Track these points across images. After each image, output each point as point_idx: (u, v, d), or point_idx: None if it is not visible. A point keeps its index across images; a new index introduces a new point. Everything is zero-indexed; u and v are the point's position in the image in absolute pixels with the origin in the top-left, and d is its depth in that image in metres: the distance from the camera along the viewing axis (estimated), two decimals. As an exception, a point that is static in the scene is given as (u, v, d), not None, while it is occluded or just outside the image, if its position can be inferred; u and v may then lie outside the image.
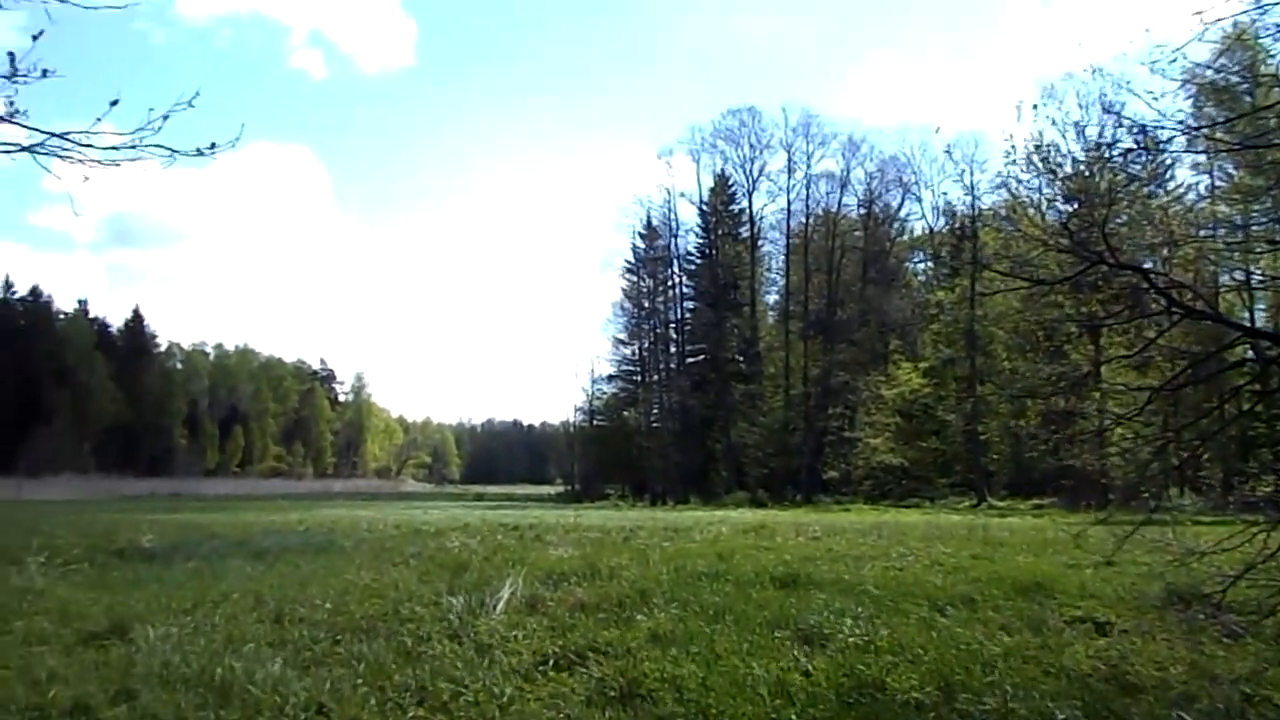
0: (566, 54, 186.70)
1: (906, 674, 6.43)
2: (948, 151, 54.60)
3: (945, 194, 58.88)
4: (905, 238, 64.31)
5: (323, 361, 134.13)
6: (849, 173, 59.53)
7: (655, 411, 65.17)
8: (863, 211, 61.28)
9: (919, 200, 61.14)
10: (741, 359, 62.72)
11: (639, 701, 6.00)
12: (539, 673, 6.72)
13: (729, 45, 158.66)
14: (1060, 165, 9.69)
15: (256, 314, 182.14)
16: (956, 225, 55.48)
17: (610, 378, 71.07)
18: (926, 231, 62.15)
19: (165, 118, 3.82)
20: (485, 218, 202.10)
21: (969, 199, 49.33)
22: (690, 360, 65.49)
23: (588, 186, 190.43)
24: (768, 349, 62.73)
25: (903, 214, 63.16)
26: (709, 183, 65.01)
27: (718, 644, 7.35)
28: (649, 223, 66.11)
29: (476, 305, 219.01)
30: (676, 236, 65.99)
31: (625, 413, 68.26)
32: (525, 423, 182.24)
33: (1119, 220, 8.75)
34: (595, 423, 70.85)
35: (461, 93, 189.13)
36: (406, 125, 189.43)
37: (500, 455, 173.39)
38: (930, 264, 63.70)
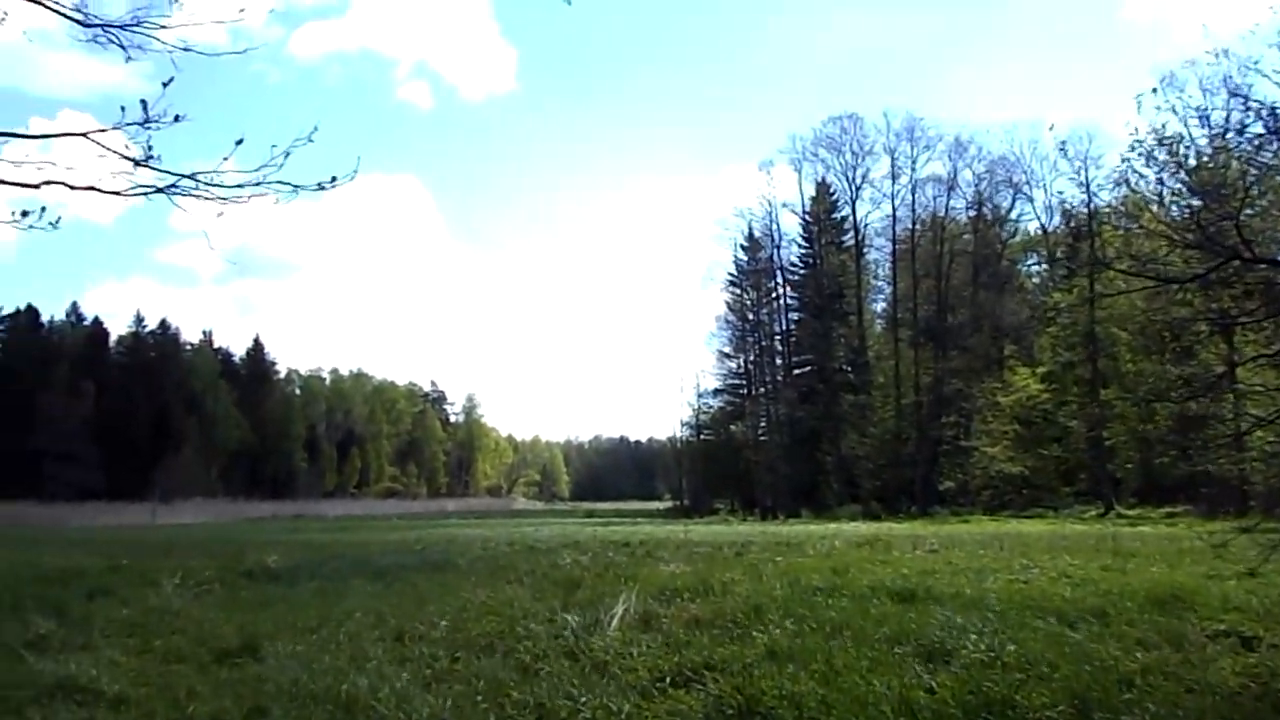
0: (662, 71, 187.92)
1: (1037, 691, 6.13)
2: (1062, 148, 52.59)
3: (1062, 192, 56.80)
4: (1017, 239, 62.32)
5: (434, 383, 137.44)
6: (956, 175, 58.11)
7: (763, 424, 64.63)
8: (972, 214, 59.65)
9: (1030, 200, 59.23)
10: (849, 369, 61.75)
11: (758, 719, 5.87)
12: (656, 690, 6.65)
13: (825, 54, 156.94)
14: (1185, 157, 9.19)
15: (369, 339, 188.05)
16: (1072, 224, 53.55)
17: (716, 391, 70.81)
18: (1040, 232, 60.28)
19: (286, 154, 3.95)
20: (588, 236, 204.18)
21: (1085, 196, 47.45)
22: (797, 372, 64.79)
23: (688, 201, 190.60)
24: (876, 358, 61.55)
25: (1014, 215, 61.24)
26: (811, 192, 64.49)
27: (836, 660, 7.15)
28: (750, 235, 65.85)
29: (582, 324, 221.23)
30: (779, 247, 65.56)
31: (732, 426, 67.87)
32: (632, 439, 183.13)
33: (1248, 212, 8.26)
34: (702, 437, 70.61)
35: (561, 115, 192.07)
36: (510, 150, 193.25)
37: (608, 472, 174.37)
38: (1045, 265, 61.64)
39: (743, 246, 66.35)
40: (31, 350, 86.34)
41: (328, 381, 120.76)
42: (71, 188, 3.76)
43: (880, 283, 66.34)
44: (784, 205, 64.97)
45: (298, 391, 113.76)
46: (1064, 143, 51.15)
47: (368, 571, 15.45)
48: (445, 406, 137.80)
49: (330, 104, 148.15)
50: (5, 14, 3.95)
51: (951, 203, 58.94)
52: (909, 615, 9.00)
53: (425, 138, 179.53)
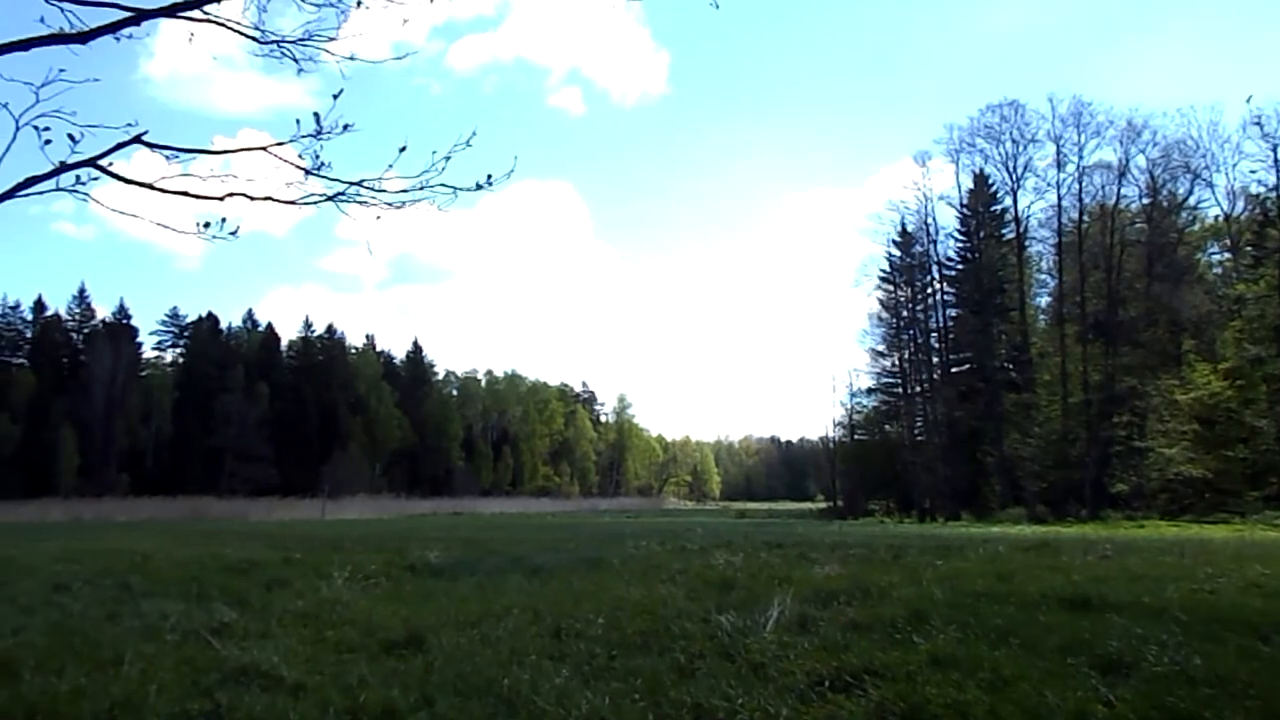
0: (814, 69, 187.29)
1: (1230, 710, 5.71)
2: (1257, 122, 48.73)
3: (1254, 171, 52.39)
4: (1196, 227, 58.36)
5: (585, 384, 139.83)
6: (1128, 161, 54.55)
7: (919, 424, 62.87)
8: (1145, 202, 56.02)
9: (1211, 186, 55.18)
10: (1011, 366, 59.27)
11: (922, 728, 5.68)
12: (815, 694, 6.50)
13: (981, 42, 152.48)
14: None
15: (523, 341, 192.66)
16: (1260, 209, 49.80)
17: (869, 390, 69.29)
18: (1222, 219, 56.33)
19: (447, 159, 4.07)
20: (738, 236, 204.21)
21: (1275, 180, 43.92)
22: (955, 370, 62.63)
23: (840, 198, 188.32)
24: (1041, 355, 58.72)
25: (1191, 201, 57.22)
26: (969, 183, 62.15)
27: (1004, 669, 6.83)
28: (904, 229, 64.13)
29: (733, 324, 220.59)
30: (935, 242, 63.52)
31: (887, 426, 66.31)
32: (783, 439, 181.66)
33: None
34: (855, 437, 69.25)
35: (712, 116, 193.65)
36: (660, 152, 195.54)
37: (759, 472, 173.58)
38: (1228, 254, 57.55)
39: (895, 242, 64.71)
40: (212, 354, 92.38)
41: (483, 383, 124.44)
42: (251, 198, 3.97)
43: (1044, 276, 63.27)
44: (940, 198, 63.01)
45: (455, 392, 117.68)
46: (1259, 118, 47.74)
47: (524, 568, 15.78)
48: (596, 407, 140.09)
49: (486, 113, 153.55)
50: (192, 35, 4.19)
51: (1123, 190, 55.48)
52: (1082, 624, 8.55)
53: (577, 143, 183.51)
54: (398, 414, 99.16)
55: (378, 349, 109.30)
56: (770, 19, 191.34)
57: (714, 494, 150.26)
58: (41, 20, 3.81)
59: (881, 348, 67.86)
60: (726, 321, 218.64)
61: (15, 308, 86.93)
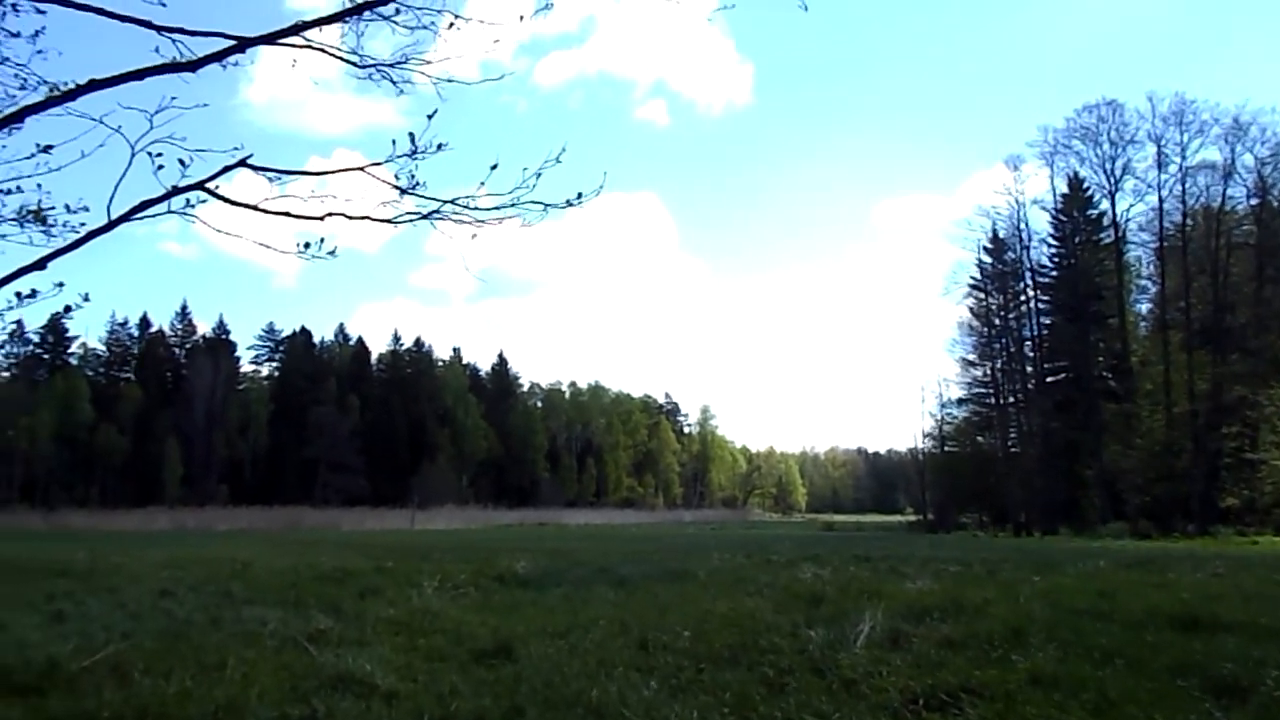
0: (902, 77, 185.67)
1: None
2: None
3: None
4: (1311, 227, 55.60)
5: (668, 396, 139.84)
6: (1234, 160, 52.14)
7: (1013, 435, 61.22)
8: (1254, 202, 53.53)
9: (1326, 183, 52.64)
10: (1110, 375, 57.33)
11: (1024, 750, 5.51)
12: (909, 712, 6.37)
13: (1074, 43, 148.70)
14: None
15: (607, 353, 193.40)
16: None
17: (960, 401, 67.68)
18: (1338, 217, 53.63)
19: (538, 175, 4.13)
20: (824, 245, 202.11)
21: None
22: (1050, 379, 60.78)
23: (928, 205, 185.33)
24: (1142, 363, 56.55)
25: (1304, 201, 54.58)
26: (1063, 187, 60.29)
27: (1109, 690, 6.59)
28: (995, 236, 62.63)
29: (818, 334, 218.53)
30: (1028, 248, 61.79)
31: (979, 437, 64.72)
32: (870, 450, 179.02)
33: None
34: (946, 449, 67.74)
35: (799, 125, 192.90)
36: (747, 163, 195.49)
37: (846, 484, 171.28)
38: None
39: (986, 249, 63.21)
40: (306, 368, 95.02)
41: (567, 394, 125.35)
42: (349, 218, 4.08)
43: (1144, 282, 61.02)
44: (1033, 203, 61.32)
45: (539, 404, 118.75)
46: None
47: (609, 579, 15.81)
48: (679, 418, 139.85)
49: (572, 127, 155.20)
50: (295, 61, 4.33)
51: (1229, 191, 53.11)
52: (1193, 645, 8.20)
53: (663, 155, 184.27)
54: (484, 426, 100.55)
55: (464, 362, 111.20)
56: (857, 24, 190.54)
57: (800, 506, 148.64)
58: (156, 50, 4.00)
59: (972, 357, 66.28)
60: (812, 331, 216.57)
61: (123, 325, 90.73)
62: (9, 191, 5.38)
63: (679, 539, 36.10)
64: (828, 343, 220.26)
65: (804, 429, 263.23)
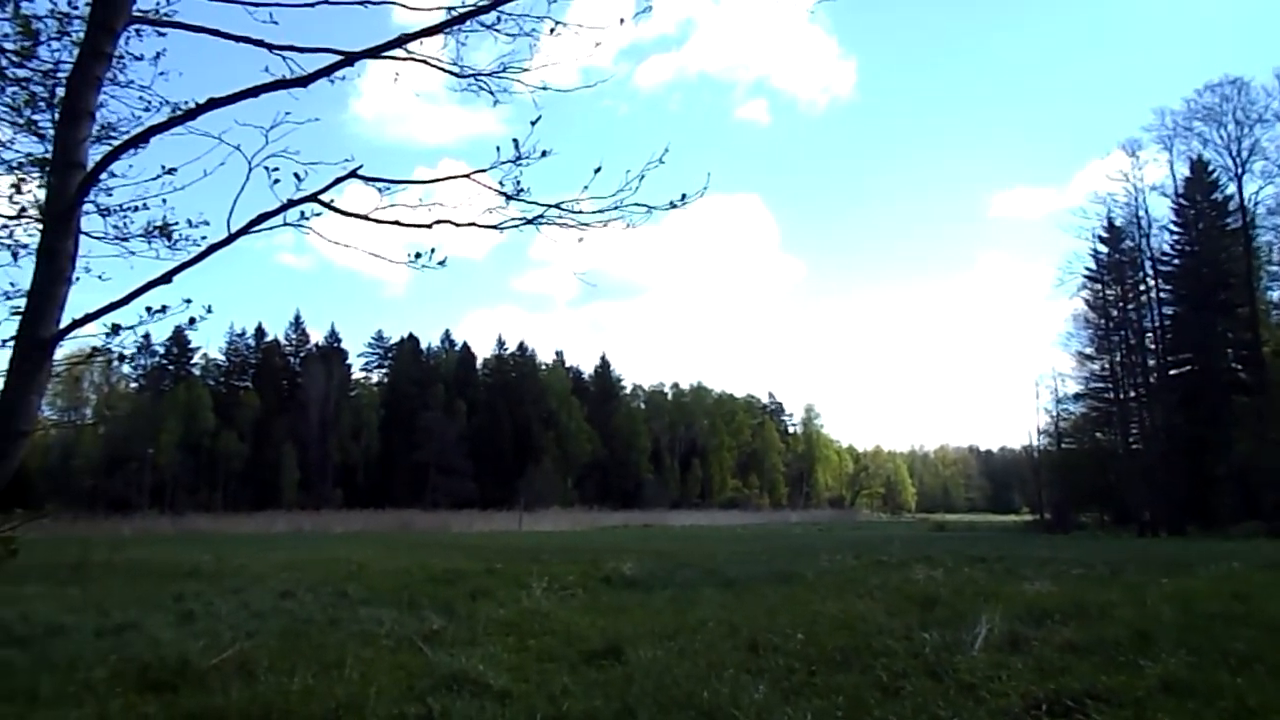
0: (1009, 67, 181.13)
1: None
2: None
3: None
4: None
5: (771, 395, 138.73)
6: (1371, 137, 49.26)
7: (1134, 431, 58.77)
8: (1398, 180, 50.34)
9: None
10: (1240, 367, 54.47)
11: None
12: (1030, 717, 6.18)
13: (1192, 22, 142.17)
14: None
15: (709, 353, 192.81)
16: None
17: (1076, 396, 65.11)
18: None
19: (641, 177, 4.14)
20: (929, 238, 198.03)
21: None
22: (1174, 373, 57.98)
23: (1042, 195, 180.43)
24: (1275, 354, 53.52)
25: None
26: (1184, 171, 57.46)
27: (1249, 698, 6.27)
28: (1110, 225, 60.17)
29: (924, 329, 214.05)
30: (1147, 236, 58.95)
31: (1098, 434, 62.22)
32: (982, 448, 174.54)
33: None
34: (1063, 446, 65.42)
35: (904, 120, 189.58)
36: (851, 159, 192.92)
37: (957, 483, 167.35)
38: None
39: (1102, 238, 60.76)
40: (414, 374, 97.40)
41: (670, 396, 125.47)
42: (457, 225, 4.15)
43: (1276, 268, 57.82)
44: (1152, 189, 58.68)
45: (642, 406, 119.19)
46: None
47: (717, 581, 15.78)
48: (784, 418, 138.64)
49: (673, 130, 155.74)
50: (397, 75, 4.43)
51: (1368, 169, 50.10)
52: (1340, 651, 7.75)
53: (764, 155, 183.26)
54: (587, 428, 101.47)
55: (567, 365, 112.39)
56: (961, 14, 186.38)
57: (909, 506, 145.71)
58: (266, 69, 4.15)
59: (1089, 350, 63.71)
60: (919, 327, 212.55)
61: (241, 335, 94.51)
62: (136, 209, 5.65)
63: (786, 540, 35.79)
64: (935, 339, 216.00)
65: (912, 427, 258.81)
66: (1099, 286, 61.55)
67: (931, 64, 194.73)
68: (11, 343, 3.53)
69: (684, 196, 4.19)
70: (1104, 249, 60.83)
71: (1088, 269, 61.72)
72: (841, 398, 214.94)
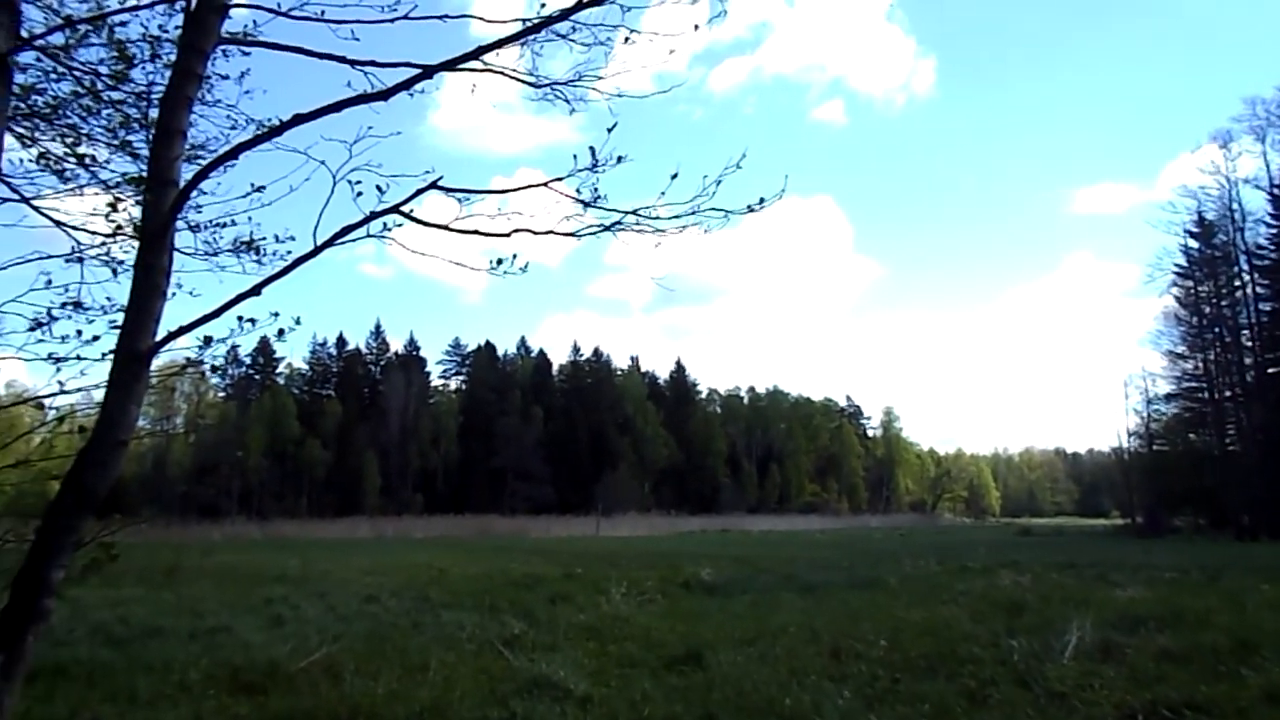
0: (1091, 61, 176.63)
1: None
2: None
3: None
4: None
5: (849, 399, 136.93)
6: None
7: (1231, 432, 56.62)
8: None
9: None
10: (1346, 364, 52.14)
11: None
12: (1126, 729, 5.99)
13: (1274, 9, 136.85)
14: None
15: (785, 357, 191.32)
16: None
17: (1168, 396, 62.90)
18: None
19: (719, 182, 4.13)
20: (1009, 237, 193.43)
21: None
22: (1272, 370, 55.69)
23: (1127, 191, 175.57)
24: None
25: None
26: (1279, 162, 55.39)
27: (1362, 711, 5.99)
28: (1201, 219, 58.09)
29: (1006, 329, 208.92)
30: (1241, 230, 56.75)
31: (1191, 435, 60.09)
32: (1069, 450, 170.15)
33: None
34: (1154, 447, 63.33)
35: (984, 116, 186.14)
36: (930, 158, 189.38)
37: (1043, 486, 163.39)
38: None
39: (1191, 233, 58.67)
40: (491, 380, 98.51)
41: (745, 400, 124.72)
42: (535, 233, 4.19)
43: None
44: (1245, 181, 56.48)
45: (718, 410, 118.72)
46: None
47: (796, 586, 15.65)
48: (862, 421, 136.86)
49: (747, 133, 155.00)
50: (474, 86, 4.49)
51: None
52: None
53: (840, 156, 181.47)
54: (663, 433, 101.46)
55: (643, 370, 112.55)
56: (1043, 7, 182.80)
57: (993, 510, 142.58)
58: (348, 84, 4.25)
59: (1181, 349, 61.51)
60: (999, 328, 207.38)
61: (323, 345, 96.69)
62: (224, 225, 5.83)
63: (866, 544, 35.31)
64: (1017, 338, 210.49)
65: (996, 429, 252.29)
66: (1190, 283, 59.44)
67: (1012, 59, 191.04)
68: (111, 355, 3.67)
69: (761, 200, 4.17)
70: (1195, 244, 58.72)
71: (1178, 265, 59.63)
72: (921, 400, 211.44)
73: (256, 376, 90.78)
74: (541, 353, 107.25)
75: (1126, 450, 67.37)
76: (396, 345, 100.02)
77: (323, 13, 4.62)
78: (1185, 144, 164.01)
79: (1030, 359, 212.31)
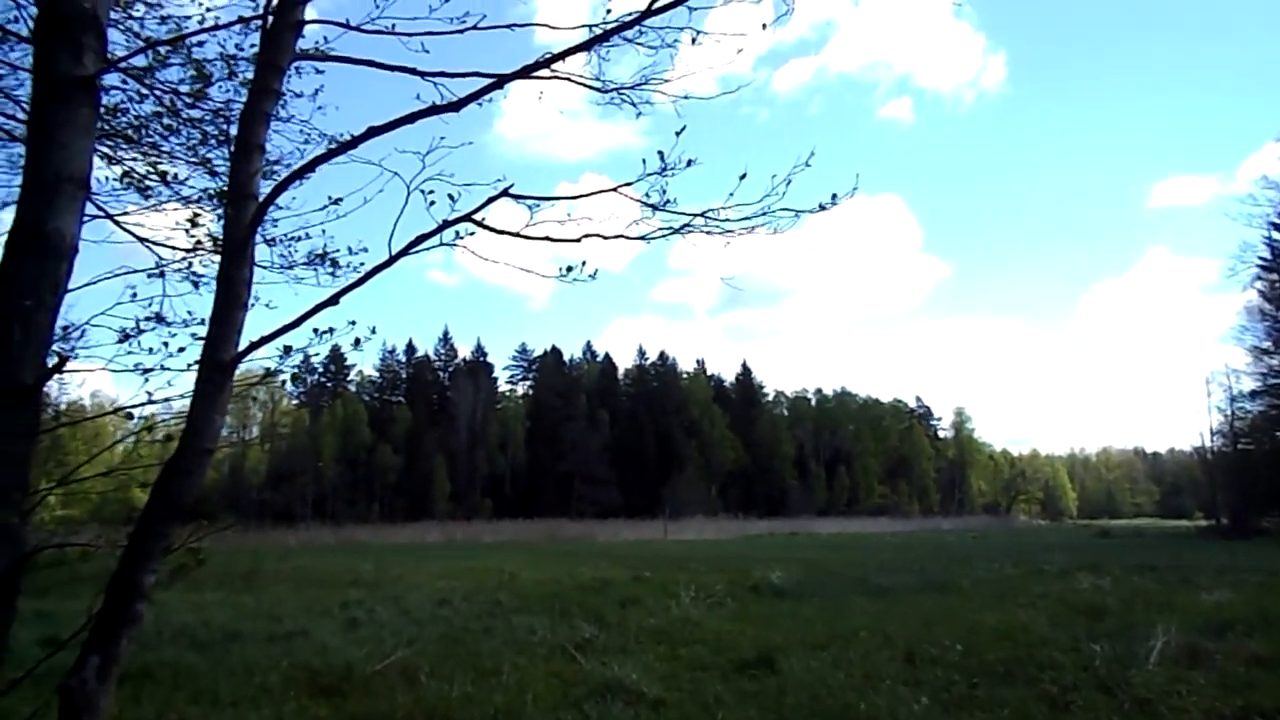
0: (1170, 53, 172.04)
1: None
2: None
3: None
4: None
5: (919, 399, 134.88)
6: None
7: (1320, 430, 54.56)
8: None
9: None
10: None
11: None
12: (1216, 737, 5.80)
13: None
14: None
15: (851, 359, 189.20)
16: None
17: (1253, 394, 60.75)
18: None
19: (788, 182, 4.10)
20: (1083, 231, 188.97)
21: None
22: (1364, 365, 53.69)
23: (1206, 183, 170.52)
24: None
25: None
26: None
27: None
28: (1286, 210, 56.10)
29: (1079, 327, 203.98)
30: (1331, 220, 54.84)
31: (1278, 433, 58.14)
32: (1148, 450, 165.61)
33: None
34: (1239, 446, 61.28)
35: (1055, 111, 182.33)
36: (1001, 155, 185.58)
37: (1121, 487, 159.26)
38: None
39: (1276, 225, 56.69)
40: (558, 386, 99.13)
41: (813, 402, 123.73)
42: (604, 238, 4.21)
43: None
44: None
45: (785, 413, 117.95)
46: None
47: (867, 590, 15.48)
48: (932, 422, 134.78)
49: (813, 133, 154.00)
50: (541, 93, 4.54)
51: None
52: None
53: (907, 154, 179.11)
54: (730, 436, 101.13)
55: (708, 373, 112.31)
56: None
57: (1070, 512, 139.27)
58: (418, 96, 4.32)
59: (1267, 345, 59.36)
60: (1074, 325, 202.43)
61: (392, 352, 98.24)
62: (299, 239, 5.97)
63: (938, 547, 34.77)
64: (1092, 337, 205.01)
65: (1071, 429, 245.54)
66: (1275, 276, 57.43)
67: (1084, 51, 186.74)
68: (195, 366, 3.78)
69: (834, 198, 4.13)
70: (1279, 237, 56.78)
71: (1262, 259, 57.61)
72: (994, 400, 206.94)
73: (328, 384, 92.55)
74: (607, 357, 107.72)
75: (1209, 449, 65.30)
76: (464, 351, 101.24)
77: (394, 26, 4.71)
78: (1267, 134, 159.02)
79: (1106, 356, 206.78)
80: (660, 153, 3.98)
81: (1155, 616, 10.08)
